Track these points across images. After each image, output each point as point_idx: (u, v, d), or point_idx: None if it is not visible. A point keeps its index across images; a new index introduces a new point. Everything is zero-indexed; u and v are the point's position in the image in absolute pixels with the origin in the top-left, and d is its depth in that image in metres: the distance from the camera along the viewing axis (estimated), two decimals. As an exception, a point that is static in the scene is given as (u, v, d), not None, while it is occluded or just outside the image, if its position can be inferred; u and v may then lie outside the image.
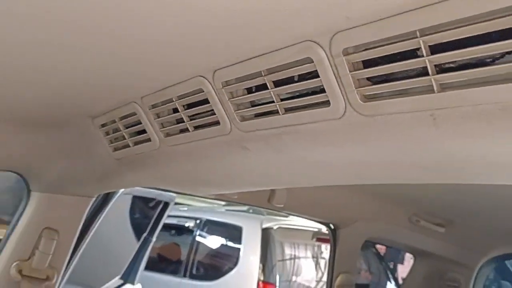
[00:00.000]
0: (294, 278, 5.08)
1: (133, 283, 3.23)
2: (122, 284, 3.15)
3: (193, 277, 5.05)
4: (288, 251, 5.09)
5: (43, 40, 0.82)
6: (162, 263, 5.40)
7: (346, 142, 0.78)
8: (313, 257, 5.34)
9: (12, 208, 1.83)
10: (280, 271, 4.85)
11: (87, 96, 1.19)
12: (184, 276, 5.11)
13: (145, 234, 3.30)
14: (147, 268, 4.47)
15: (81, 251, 1.92)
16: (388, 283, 5.68)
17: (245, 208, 5.34)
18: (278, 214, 5.06)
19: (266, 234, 4.80)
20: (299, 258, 5.23)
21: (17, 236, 1.58)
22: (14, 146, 1.40)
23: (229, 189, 1.46)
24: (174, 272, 5.23)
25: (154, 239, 3.34)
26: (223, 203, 6.17)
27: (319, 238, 5.07)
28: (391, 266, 6.65)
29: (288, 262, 5.08)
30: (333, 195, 2.05)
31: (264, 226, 4.84)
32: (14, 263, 1.55)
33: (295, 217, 4.85)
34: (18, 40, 0.82)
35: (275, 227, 4.91)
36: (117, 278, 3.19)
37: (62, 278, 1.68)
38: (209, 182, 1.25)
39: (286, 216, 4.99)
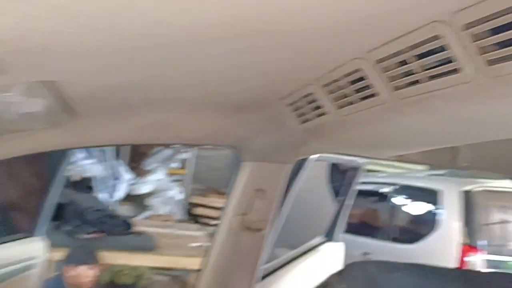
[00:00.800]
0: (505, 242, 4.80)
1: (335, 241, 3.58)
2: (325, 242, 3.53)
3: (394, 240, 5.21)
4: (495, 215, 4.84)
5: (240, 42, 1.08)
6: (364, 228, 5.67)
7: (480, 102, 0.92)
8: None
9: (225, 181, 2.26)
10: (487, 235, 4.66)
11: (276, 82, 1.51)
12: (386, 239, 5.30)
13: (341, 197, 3.61)
14: (351, 232, 4.81)
15: (286, 209, 2.31)
16: None
17: (442, 171, 5.24)
18: (479, 176, 4.83)
19: (467, 197, 4.66)
20: (509, 222, 4.91)
21: (236, 197, 2.03)
22: (229, 126, 1.82)
23: (397, 150, 1.64)
24: (376, 236, 5.45)
25: (350, 202, 3.63)
26: (420, 167, 6.13)
27: (531, 200, 4.68)
28: None
29: (496, 226, 4.83)
30: None
31: (464, 189, 4.70)
32: (236, 217, 2.01)
33: (500, 179, 4.58)
34: (226, 45, 1.12)
35: (476, 190, 4.72)
36: (320, 237, 3.59)
37: (271, 229, 2.08)
38: (377, 144, 1.46)
39: (492, 178, 4.74)
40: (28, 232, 2.88)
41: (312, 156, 2.20)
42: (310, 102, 1.48)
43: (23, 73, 1.04)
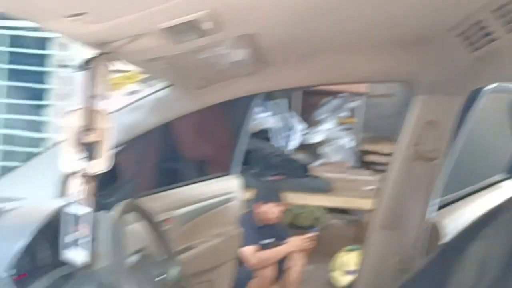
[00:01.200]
0: None
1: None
2: (508, 178, 3.39)
3: None
4: None
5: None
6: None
7: None
8: None
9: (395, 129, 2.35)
10: None
11: (444, 14, 1.57)
12: None
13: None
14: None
15: (460, 141, 2.34)
16: None
17: None
18: None
19: None
20: None
21: (409, 129, 2.15)
22: (400, 61, 1.94)
23: None
24: None
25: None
26: None
27: None
28: None
29: None
30: None
31: None
32: (409, 148, 2.15)
33: None
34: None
35: None
36: (502, 174, 3.45)
37: (445, 160, 2.17)
38: None
39: None
40: (226, 171, 3.41)
41: (486, 88, 2.18)
42: (479, 30, 1.53)
43: (233, 29, 1.34)
